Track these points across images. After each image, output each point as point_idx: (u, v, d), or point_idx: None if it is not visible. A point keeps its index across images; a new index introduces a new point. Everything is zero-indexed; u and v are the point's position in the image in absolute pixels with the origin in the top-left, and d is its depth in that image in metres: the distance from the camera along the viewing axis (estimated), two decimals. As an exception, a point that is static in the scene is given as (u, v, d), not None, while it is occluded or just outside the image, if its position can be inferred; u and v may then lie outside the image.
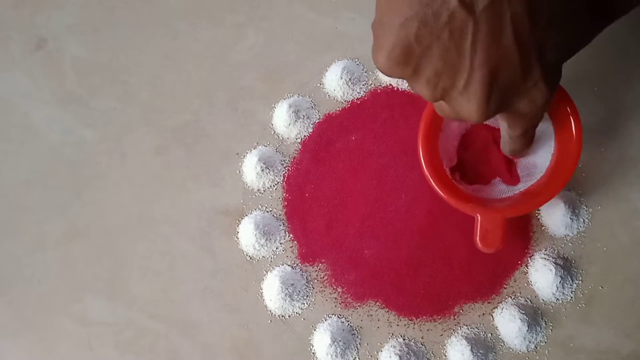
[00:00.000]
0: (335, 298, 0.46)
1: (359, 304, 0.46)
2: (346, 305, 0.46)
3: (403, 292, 0.46)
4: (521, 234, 0.47)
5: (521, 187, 0.45)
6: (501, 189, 0.45)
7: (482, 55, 0.31)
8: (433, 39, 0.31)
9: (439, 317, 0.45)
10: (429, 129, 0.43)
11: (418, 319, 0.45)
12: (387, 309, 0.46)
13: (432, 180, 0.42)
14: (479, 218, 0.42)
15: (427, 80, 0.33)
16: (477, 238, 0.42)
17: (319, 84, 0.52)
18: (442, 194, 0.42)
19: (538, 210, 0.47)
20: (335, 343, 0.44)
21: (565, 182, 0.42)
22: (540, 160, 0.45)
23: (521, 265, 0.46)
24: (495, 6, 0.30)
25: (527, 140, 0.40)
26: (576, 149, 0.42)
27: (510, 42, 0.31)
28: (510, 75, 0.32)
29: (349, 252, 0.47)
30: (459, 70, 0.32)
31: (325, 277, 0.47)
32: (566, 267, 0.45)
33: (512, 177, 0.45)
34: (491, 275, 0.46)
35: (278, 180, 0.49)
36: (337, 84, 0.51)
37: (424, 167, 0.43)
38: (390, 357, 0.44)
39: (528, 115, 0.36)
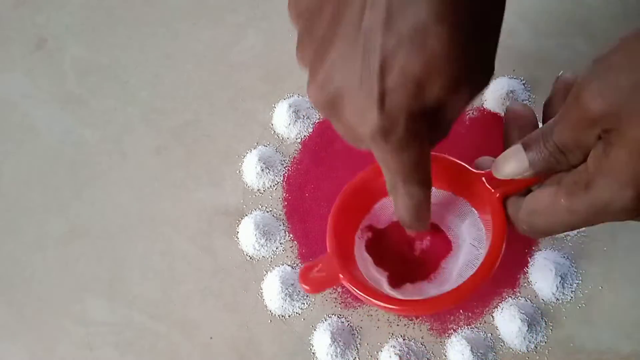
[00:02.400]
0: (335, 298, 0.46)
1: (359, 304, 0.46)
2: (346, 305, 0.46)
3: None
4: (522, 236, 0.47)
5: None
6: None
7: (334, 30, 0.29)
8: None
9: (438, 325, 0.45)
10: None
11: (418, 319, 0.45)
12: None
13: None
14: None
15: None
16: (304, 266, 0.39)
17: (319, 84, 0.52)
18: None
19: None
20: (335, 343, 0.44)
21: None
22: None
23: (523, 269, 0.46)
24: None
25: (405, 206, 0.35)
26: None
27: (356, 28, 0.29)
28: (348, 67, 0.30)
29: (349, 252, 0.47)
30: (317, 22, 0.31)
31: (325, 277, 0.47)
32: (566, 267, 0.45)
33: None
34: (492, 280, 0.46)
35: (278, 180, 0.49)
36: (337, 84, 0.51)
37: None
38: (390, 357, 0.44)
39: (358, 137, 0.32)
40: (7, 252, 0.48)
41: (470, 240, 0.39)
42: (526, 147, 0.33)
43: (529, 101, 0.51)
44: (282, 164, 0.50)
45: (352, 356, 0.44)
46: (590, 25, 0.53)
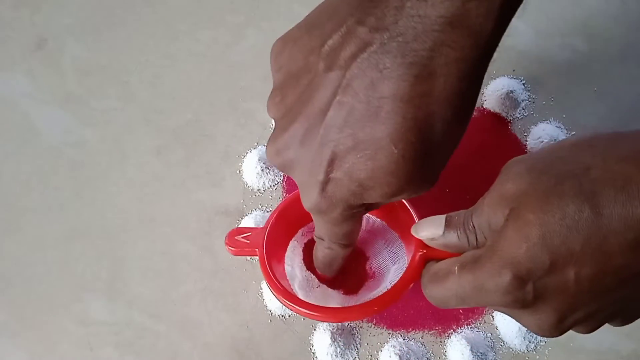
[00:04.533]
0: (335, 298, 0.46)
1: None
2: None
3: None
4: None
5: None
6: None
7: (303, 105, 0.31)
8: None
9: (438, 326, 0.45)
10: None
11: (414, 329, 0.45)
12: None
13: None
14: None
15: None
16: (235, 229, 0.41)
17: (319, 84, 0.52)
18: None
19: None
20: (335, 343, 0.44)
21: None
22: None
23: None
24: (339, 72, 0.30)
25: (323, 254, 0.38)
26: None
27: (321, 116, 0.30)
28: (304, 146, 0.31)
29: (349, 252, 0.47)
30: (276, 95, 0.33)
31: (325, 277, 0.47)
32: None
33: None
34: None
35: (278, 180, 0.49)
36: (337, 84, 0.51)
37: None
38: (390, 357, 0.44)
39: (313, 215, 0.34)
40: (7, 252, 0.48)
41: (390, 285, 0.39)
42: (448, 220, 0.34)
43: (529, 101, 0.51)
44: (282, 164, 0.50)
45: (352, 356, 0.44)
46: (590, 25, 0.53)
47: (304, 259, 0.43)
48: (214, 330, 0.45)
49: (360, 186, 0.31)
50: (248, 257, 0.47)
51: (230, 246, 0.41)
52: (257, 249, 0.40)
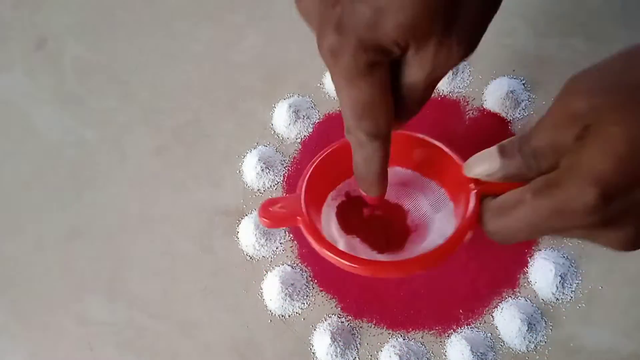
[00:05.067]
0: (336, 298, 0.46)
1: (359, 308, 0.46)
2: (345, 307, 0.46)
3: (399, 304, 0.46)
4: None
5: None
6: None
7: None
8: None
9: (438, 326, 0.45)
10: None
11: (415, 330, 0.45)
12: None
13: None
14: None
15: None
16: (267, 200, 0.38)
17: (319, 84, 0.52)
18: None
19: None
20: (335, 343, 0.44)
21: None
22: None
23: (523, 268, 0.46)
24: None
25: (358, 157, 0.35)
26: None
27: None
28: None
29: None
30: None
31: (325, 277, 0.47)
32: (566, 267, 0.45)
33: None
34: (491, 279, 0.46)
35: (278, 180, 0.49)
36: (337, 84, 0.51)
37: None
38: (390, 357, 0.44)
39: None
40: (7, 252, 0.48)
41: (438, 234, 0.38)
42: (501, 150, 0.33)
43: (529, 101, 0.51)
44: (282, 164, 0.50)
45: (352, 356, 0.44)
46: (590, 25, 0.53)
47: (340, 224, 0.41)
48: (214, 330, 0.45)
49: (374, 11, 0.29)
50: (248, 257, 0.47)
51: (265, 218, 0.38)
52: (298, 217, 0.37)
